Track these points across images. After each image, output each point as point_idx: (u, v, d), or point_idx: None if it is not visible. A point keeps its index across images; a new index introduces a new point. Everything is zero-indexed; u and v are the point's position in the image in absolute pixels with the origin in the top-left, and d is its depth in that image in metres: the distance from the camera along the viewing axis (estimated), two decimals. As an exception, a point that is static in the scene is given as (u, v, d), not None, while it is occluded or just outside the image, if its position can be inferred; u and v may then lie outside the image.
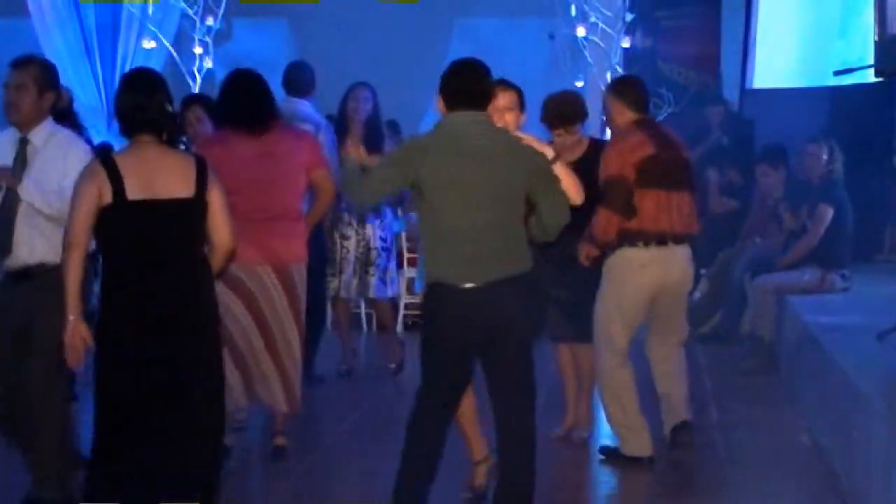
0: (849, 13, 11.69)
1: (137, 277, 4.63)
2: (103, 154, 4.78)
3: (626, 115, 6.34)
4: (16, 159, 5.36)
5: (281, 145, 6.21)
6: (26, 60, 5.46)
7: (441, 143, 4.86)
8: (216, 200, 4.73)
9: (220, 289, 6.06)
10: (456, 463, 5.44)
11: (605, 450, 6.61)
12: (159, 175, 4.63)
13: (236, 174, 5.98)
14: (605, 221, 6.20)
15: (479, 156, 4.81)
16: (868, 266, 9.93)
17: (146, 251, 4.63)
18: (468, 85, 4.88)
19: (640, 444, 6.41)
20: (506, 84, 5.49)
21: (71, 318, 4.63)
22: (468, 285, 4.76)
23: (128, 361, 4.63)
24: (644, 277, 6.30)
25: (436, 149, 4.85)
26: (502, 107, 5.38)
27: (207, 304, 4.78)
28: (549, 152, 5.18)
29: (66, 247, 4.65)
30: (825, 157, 8.87)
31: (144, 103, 4.66)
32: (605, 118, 6.94)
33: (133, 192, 4.57)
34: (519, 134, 5.17)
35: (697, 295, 10.12)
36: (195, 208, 4.68)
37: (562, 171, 5.14)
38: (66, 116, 7.59)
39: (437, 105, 4.95)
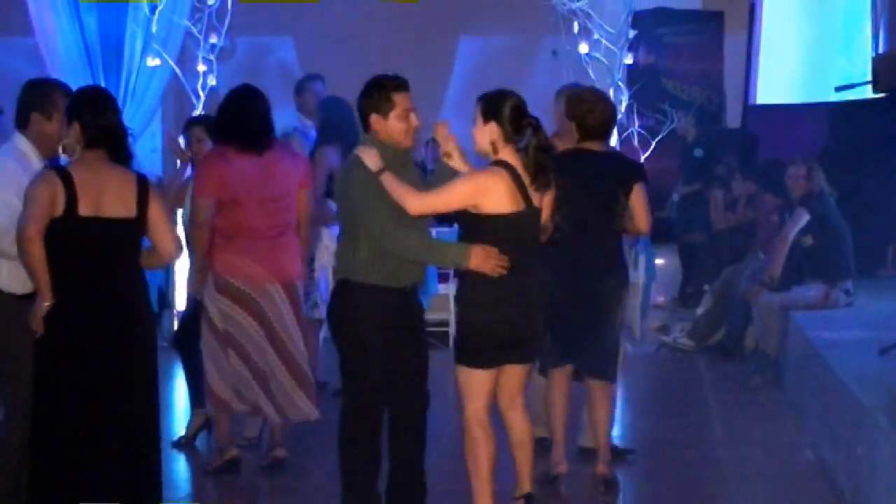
0: (850, 29, 11.73)
1: (79, 289, 4.77)
2: (58, 167, 4.86)
3: None
4: None
5: (281, 163, 6.25)
6: None
7: None
8: (157, 216, 4.92)
9: (231, 308, 6.10)
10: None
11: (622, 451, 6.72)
12: (107, 193, 4.80)
13: (240, 190, 6.06)
14: None
15: None
16: (871, 281, 9.93)
17: (88, 265, 4.78)
18: None
19: None
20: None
21: (45, 304, 4.77)
22: None
23: (69, 371, 4.75)
24: None
25: None
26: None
27: (144, 315, 4.98)
28: (373, 163, 5.12)
29: (26, 240, 4.69)
30: (804, 175, 9.00)
31: (113, 124, 4.87)
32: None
33: (84, 208, 4.73)
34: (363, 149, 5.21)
35: (701, 310, 10.14)
36: (136, 228, 4.88)
37: (389, 183, 5.10)
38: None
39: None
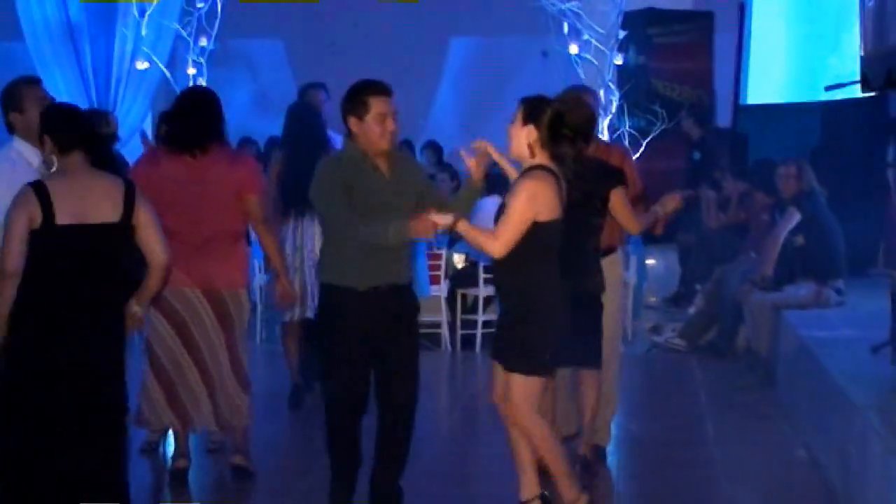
0: (841, 29, 11.74)
1: (60, 297, 4.74)
2: (36, 181, 4.83)
3: None
4: None
5: (214, 168, 6.05)
6: None
7: None
8: (145, 221, 4.88)
9: (155, 315, 6.07)
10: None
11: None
12: (90, 199, 4.77)
13: (163, 194, 5.90)
14: None
15: None
16: (862, 280, 9.93)
17: (72, 272, 4.75)
18: None
19: None
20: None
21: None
22: None
23: (43, 374, 4.73)
24: None
25: None
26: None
27: (119, 321, 4.94)
28: (444, 221, 5.18)
29: (3, 275, 4.69)
30: (794, 175, 9.04)
31: (83, 127, 4.88)
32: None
33: (62, 217, 4.70)
34: None
35: (693, 310, 10.15)
36: (122, 232, 4.83)
37: (467, 233, 5.28)
38: (110, 142, 7.67)
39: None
